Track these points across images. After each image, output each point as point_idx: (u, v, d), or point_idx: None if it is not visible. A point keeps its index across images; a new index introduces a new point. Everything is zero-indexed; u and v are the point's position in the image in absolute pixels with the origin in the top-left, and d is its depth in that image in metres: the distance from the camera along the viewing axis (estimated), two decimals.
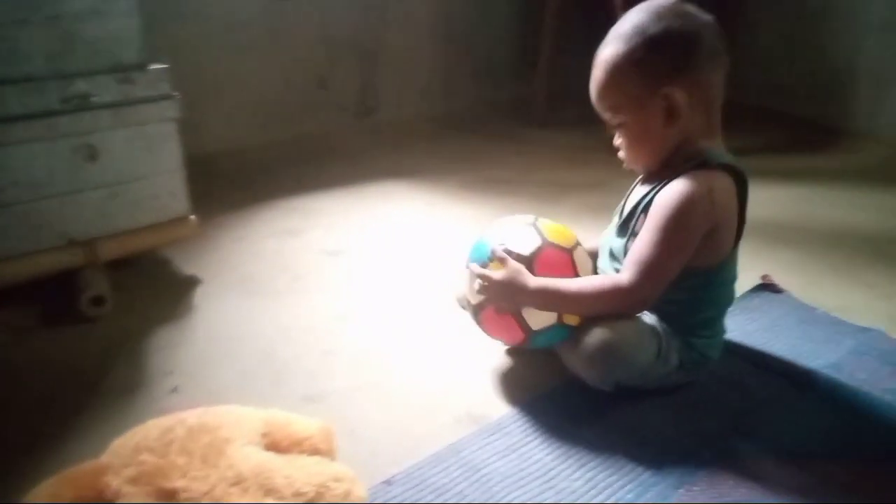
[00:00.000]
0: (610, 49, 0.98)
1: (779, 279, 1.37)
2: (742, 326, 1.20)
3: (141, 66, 1.30)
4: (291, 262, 1.49)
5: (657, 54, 0.95)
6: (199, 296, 1.37)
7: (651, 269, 0.95)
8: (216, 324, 1.27)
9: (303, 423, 0.87)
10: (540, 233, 1.02)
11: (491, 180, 1.95)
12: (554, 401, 1.03)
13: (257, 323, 1.27)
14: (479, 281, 1.01)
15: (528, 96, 2.58)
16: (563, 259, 1.01)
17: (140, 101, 1.30)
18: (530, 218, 1.06)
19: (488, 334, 1.07)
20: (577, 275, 1.01)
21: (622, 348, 0.96)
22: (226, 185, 1.91)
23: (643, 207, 1.00)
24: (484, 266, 1.02)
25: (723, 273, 1.03)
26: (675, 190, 0.95)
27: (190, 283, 1.41)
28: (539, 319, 1.00)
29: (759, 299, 1.31)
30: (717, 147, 1.01)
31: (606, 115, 1.02)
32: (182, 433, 0.79)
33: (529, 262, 1.00)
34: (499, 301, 1.00)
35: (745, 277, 1.10)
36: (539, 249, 1.00)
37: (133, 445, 0.78)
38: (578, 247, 1.04)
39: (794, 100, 2.42)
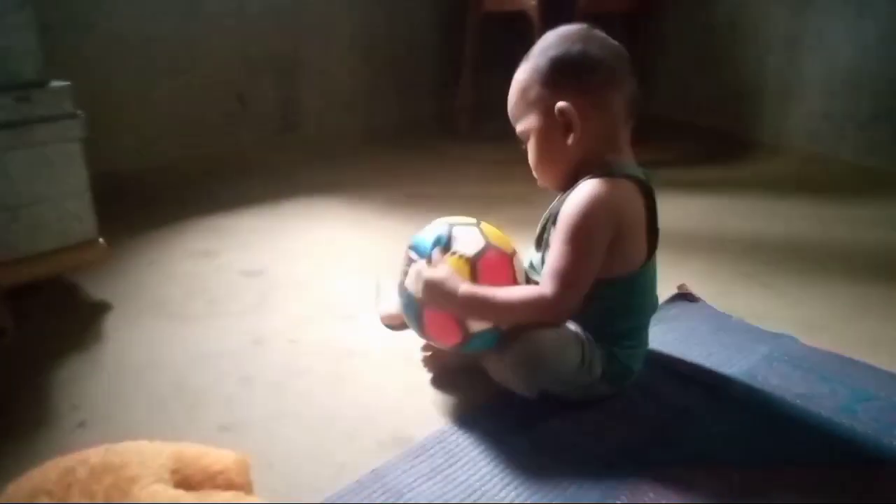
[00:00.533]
0: (521, 69, 1.06)
1: (694, 288, 1.40)
2: (660, 336, 1.22)
3: (40, 84, 1.24)
4: (207, 285, 1.44)
5: (557, 72, 1.01)
6: (109, 323, 1.31)
7: (566, 279, 0.97)
8: (126, 352, 1.21)
9: (216, 456, 0.83)
10: (483, 235, 1.03)
11: (416, 195, 1.94)
12: (478, 420, 1.02)
13: (170, 350, 1.22)
14: (412, 273, 1.01)
15: (451, 111, 2.59)
16: (504, 262, 1.02)
17: (40, 120, 1.24)
18: (473, 220, 1.06)
19: (425, 333, 1.05)
20: (514, 281, 1.02)
21: (546, 355, 0.97)
22: (139, 205, 1.84)
23: (553, 218, 1.03)
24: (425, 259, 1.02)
25: (640, 282, 1.05)
26: (577, 197, 0.99)
27: (99, 310, 1.34)
28: (478, 322, 1.00)
29: (676, 309, 1.34)
30: (625, 160, 1.04)
31: (518, 130, 1.08)
32: (84, 474, 0.74)
33: (473, 262, 1.00)
34: (426, 300, 1.00)
35: (662, 287, 1.12)
36: (483, 251, 1.01)
37: (30, 489, 0.73)
38: (516, 254, 1.05)
39: (704, 112, 2.51)
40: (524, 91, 1.04)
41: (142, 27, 2.00)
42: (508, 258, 1.03)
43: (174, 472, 0.78)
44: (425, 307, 1.01)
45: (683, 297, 1.38)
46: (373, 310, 1.32)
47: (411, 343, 1.23)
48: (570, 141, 1.01)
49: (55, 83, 1.25)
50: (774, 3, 2.30)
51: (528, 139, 1.06)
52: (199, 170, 2.11)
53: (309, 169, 2.17)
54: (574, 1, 2.11)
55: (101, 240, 1.36)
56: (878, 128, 2.14)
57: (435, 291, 0.98)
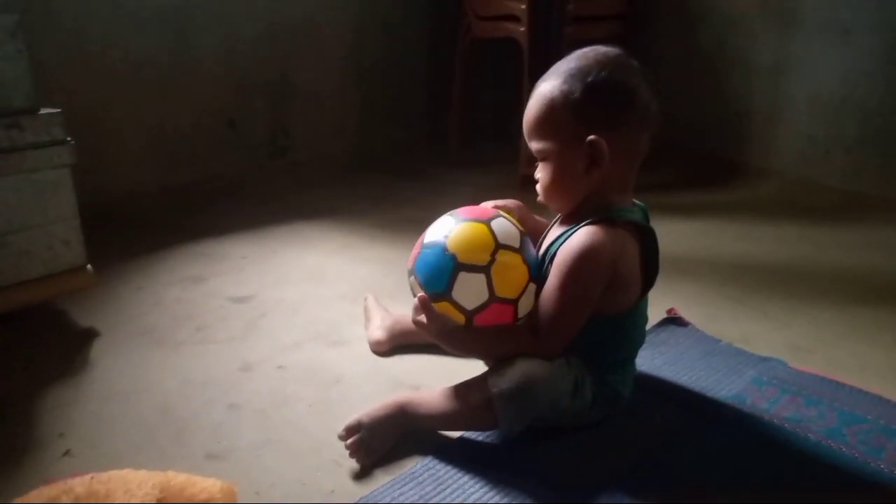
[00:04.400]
0: (550, 85, 0.99)
1: (683, 312, 1.41)
2: (650, 361, 1.22)
3: (31, 111, 1.24)
4: (195, 311, 1.44)
5: (593, 102, 0.96)
6: (96, 350, 1.30)
7: (555, 327, 0.98)
8: (113, 380, 1.20)
9: (203, 485, 0.83)
10: (490, 284, 0.97)
11: (405, 220, 1.95)
12: (466, 446, 1.02)
13: (157, 377, 1.21)
14: (416, 306, 1.00)
15: (442, 135, 2.61)
16: (505, 312, 0.99)
17: (30, 146, 1.24)
18: (489, 244, 0.98)
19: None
20: (516, 319, 1.00)
21: (539, 383, 0.96)
22: (127, 231, 1.84)
23: (551, 256, 1.01)
24: (436, 293, 0.99)
25: (632, 318, 1.05)
26: (574, 244, 0.97)
27: (86, 337, 1.34)
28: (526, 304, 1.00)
29: (666, 333, 1.34)
30: (626, 203, 1.03)
31: (533, 146, 1.03)
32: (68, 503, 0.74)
33: (470, 316, 0.98)
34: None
35: (652, 311, 1.13)
36: (483, 306, 0.98)
37: None
38: (528, 287, 1.00)
39: (691, 135, 2.53)
40: (551, 112, 0.98)
41: (131, 53, 2.01)
42: (513, 304, 0.99)
43: (160, 500, 0.78)
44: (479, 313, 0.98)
45: (673, 321, 1.38)
46: (363, 335, 1.32)
47: (400, 369, 1.23)
48: (590, 176, 0.99)
49: (45, 110, 1.25)
50: (762, 27, 2.33)
51: (543, 160, 1.02)
52: (190, 195, 2.11)
53: (299, 194, 2.18)
54: (561, 27, 2.14)
55: (89, 266, 1.35)
56: (863, 152, 2.16)
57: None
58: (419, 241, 1.03)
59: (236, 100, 2.27)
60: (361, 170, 2.47)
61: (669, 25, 2.55)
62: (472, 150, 2.55)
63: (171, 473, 0.84)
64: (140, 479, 0.80)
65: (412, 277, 1.03)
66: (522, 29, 2.16)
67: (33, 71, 1.24)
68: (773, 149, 2.38)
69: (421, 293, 1.00)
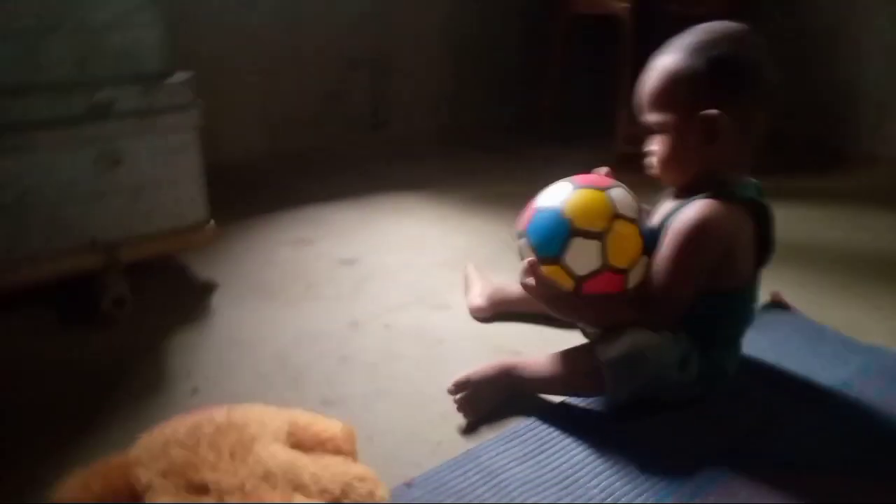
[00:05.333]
0: (671, 58, 1.00)
1: (787, 297, 1.39)
2: (753, 343, 1.21)
3: (164, 76, 1.33)
4: (305, 271, 1.51)
5: (715, 76, 0.97)
6: (216, 301, 1.39)
7: (666, 298, 1.00)
8: (233, 328, 1.29)
9: (326, 424, 0.89)
10: (602, 252, 0.98)
11: (500, 195, 1.98)
12: (569, 411, 1.05)
13: (273, 328, 1.29)
14: (525, 268, 1.02)
15: (536, 112, 2.62)
16: (614, 283, 1.00)
17: (163, 109, 1.32)
18: (607, 211, 0.99)
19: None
20: (624, 289, 1.01)
21: (647, 353, 0.98)
22: (239, 194, 1.94)
23: (665, 229, 1.02)
24: (546, 257, 1.00)
25: (744, 295, 1.06)
26: (688, 217, 0.98)
27: (206, 289, 1.43)
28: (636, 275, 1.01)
29: (770, 316, 1.33)
30: (743, 180, 1.03)
31: (649, 118, 1.03)
32: (210, 430, 0.81)
33: (579, 281, 1.00)
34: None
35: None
36: (593, 273, 0.99)
37: (162, 440, 0.80)
38: (640, 260, 1.01)
39: (800, 121, 2.45)
40: (672, 84, 0.99)
41: (247, 24, 2.11)
42: (623, 273, 1.00)
43: (289, 434, 0.84)
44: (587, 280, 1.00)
45: (777, 304, 1.37)
46: (463, 301, 1.37)
47: (500, 334, 1.27)
48: (706, 149, 0.99)
49: (178, 75, 1.34)
50: (877, 7, 2.23)
51: (659, 132, 1.03)
52: (295, 163, 2.20)
53: (396, 166, 2.24)
54: (665, 4, 2.10)
55: (211, 222, 1.44)
56: None
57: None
58: (531, 204, 1.05)
59: (339, 73, 2.35)
60: (455, 145, 2.50)
61: (780, 3, 2.47)
62: (566, 128, 2.54)
63: (297, 412, 0.90)
64: (272, 414, 0.87)
65: (522, 240, 1.04)
66: (625, 5, 2.13)
67: (167, 38, 1.33)
68: (885, 136, 2.28)
69: (530, 256, 1.03)
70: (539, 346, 1.17)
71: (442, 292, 1.42)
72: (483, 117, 2.71)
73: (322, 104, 2.35)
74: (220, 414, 0.84)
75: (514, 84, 2.79)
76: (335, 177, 2.10)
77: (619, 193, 1.02)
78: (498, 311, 1.31)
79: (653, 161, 1.06)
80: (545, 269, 1.01)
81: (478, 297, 1.33)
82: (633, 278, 1.02)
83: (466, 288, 1.39)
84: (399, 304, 1.37)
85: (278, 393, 1.10)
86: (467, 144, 2.51)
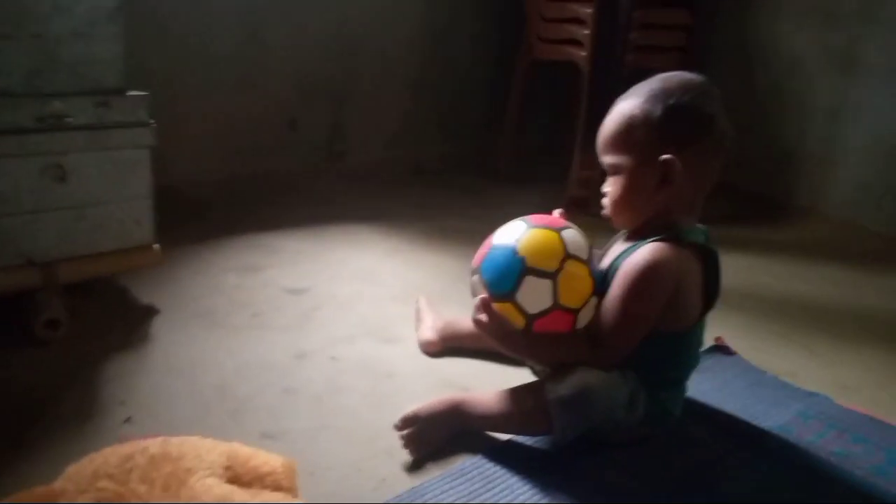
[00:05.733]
0: (632, 102, 1.03)
1: (730, 342, 1.42)
2: (696, 385, 1.22)
3: (120, 92, 1.30)
4: (252, 298, 1.48)
5: (673, 123, 1.00)
6: (157, 326, 1.34)
7: (614, 339, 1.01)
8: (173, 355, 1.25)
9: (266, 458, 0.86)
10: (554, 291, 0.99)
11: (454, 230, 1.98)
12: (515, 450, 1.04)
13: (215, 357, 1.25)
14: (478, 305, 1.02)
15: (493, 151, 2.65)
16: (565, 321, 1.01)
17: (116, 125, 1.29)
18: (559, 252, 1.00)
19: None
20: (574, 329, 1.02)
21: (596, 393, 0.98)
22: (188, 217, 1.90)
23: (614, 270, 1.04)
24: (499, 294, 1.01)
25: (690, 338, 1.08)
26: (638, 259, 1.00)
27: (147, 313, 1.38)
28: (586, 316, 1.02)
29: (713, 360, 1.35)
30: (693, 225, 1.06)
31: (606, 160, 1.06)
32: (143, 461, 0.77)
33: (530, 320, 1.00)
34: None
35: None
36: (545, 311, 1.00)
37: (91, 471, 0.76)
38: (590, 300, 1.02)
39: (744, 174, 2.54)
40: (630, 128, 1.01)
41: (207, 45, 2.09)
42: (572, 316, 1.01)
43: (227, 468, 0.81)
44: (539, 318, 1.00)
45: (720, 349, 1.39)
46: (414, 335, 1.35)
47: (450, 370, 1.26)
48: (660, 194, 1.02)
49: (133, 92, 1.31)
50: (821, 71, 2.34)
51: (614, 174, 1.05)
52: (249, 189, 2.17)
53: (353, 196, 2.22)
54: (622, 55, 2.16)
55: (156, 245, 1.40)
56: None
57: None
58: (487, 242, 1.06)
59: (299, 100, 2.34)
60: (413, 178, 2.51)
61: (729, 62, 2.57)
62: (521, 169, 2.57)
63: (236, 444, 0.87)
64: (209, 446, 0.83)
65: (476, 276, 1.05)
66: (584, 54, 2.19)
67: (126, 54, 1.30)
68: (824, 192, 2.38)
69: (483, 293, 1.03)
70: (489, 383, 1.16)
71: (392, 326, 1.41)
72: (441, 153, 2.73)
73: (279, 131, 2.33)
74: (154, 445, 0.80)
75: (473, 123, 2.83)
76: (289, 205, 2.07)
77: (572, 235, 1.04)
78: (448, 345, 1.30)
79: (607, 202, 1.07)
80: (497, 306, 1.01)
81: (428, 331, 1.32)
82: (583, 318, 1.03)
83: (417, 321, 1.38)
84: (347, 336, 1.35)
85: (218, 424, 1.06)
86: (424, 179, 2.51)
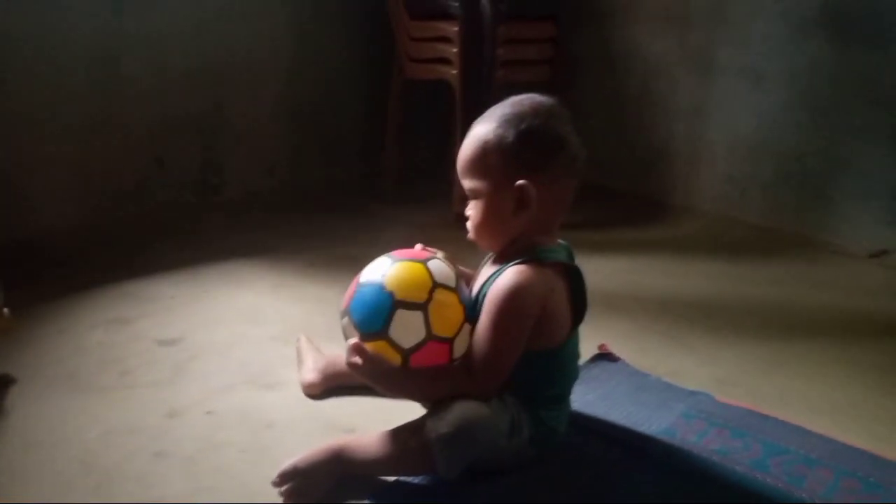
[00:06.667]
0: (485, 128, 1.03)
1: (614, 347, 1.44)
2: (582, 397, 1.24)
3: None
4: (120, 355, 1.38)
5: (525, 148, 1.00)
6: (13, 397, 1.23)
7: (489, 366, 1.00)
8: (30, 429, 1.15)
9: None
10: (427, 321, 0.98)
11: (340, 258, 1.93)
12: (403, 489, 1.01)
13: (79, 426, 1.15)
14: (350, 349, 0.99)
15: (376, 173, 2.62)
16: (441, 351, 1.00)
17: None
18: (427, 282, 0.99)
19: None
20: (451, 359, 1.01)
21: (477, 425, 0.96)
22: (49, 270, 1.77)
23: (482, 297, 1.03)
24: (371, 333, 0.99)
25: (564, 354, 1.08)
26: (502, 284, 1.00)
27: (1, 384, 1.27)
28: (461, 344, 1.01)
29: (598, 369, 1.37)
30: (552, 244, 1.07)
31: (466, 185, 1.06)
32: None
33: (406, 354, 0.98)
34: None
35: (583, 347, 1.15)
36: (420, 344, 0.98)
37: None
38: (463, 327, 1.01)
39: (617, 176, 2.62)
40: (484, 154, 1.02)
41: (54, 87, 1.96)
42: (448, 343, 1.00)
43: None
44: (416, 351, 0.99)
45: (604, 356, 1.41)
46: (296, 378, 1.30)
47: (334, 412, 1.22)
48: (518, 218, 1.02)
49: None
50: (681, 73, 2.44)
51: (474, 198, 1.05)
52: (115, 234, 2.05)
53: (230, 232, 2.14)
54: (492, 71, 2.18)
55: (5, 310, 1.29)
56: (777, 190, 2.28)
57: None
58: (353, 282, 1.03)
59: (166, 136, 2.23)
60: (295, 208, 2.44)
61: (595, 70, 2.65)
62: (406, 189, 2.56)
63: None
64: None
65: (345, 319, 1.02)
66: (454, 72, 2.19)
67: None
68: (695, 189, 2.48)
69: (355, 335, 0.99)
70: (377, 420, 1.12)
71: (274, 369, 1.35)
72: (323, 180, 2.68)
73: (146, 170, 2.22)
74: None
75: (354, 146, 2.79)
76: (161, 248, 1.97)
77: (437, 264, 1.03)
78: (332, 384, 1.26)
79: (469, 226, 1.08)
80: (371, 346, 0.99)
81: (310, 373, 1.27)
82: (459, 347, 1.01)
83: (298, 363, 1.33)
84: (224, 387, 1.28)
85: (81, 501, 0.98)
86: (307, 206, 2.45)
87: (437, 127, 2.77)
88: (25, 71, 1.89)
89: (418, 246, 1.10)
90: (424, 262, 1.02)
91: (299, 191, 2.57)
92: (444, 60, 2.22)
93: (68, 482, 1.02)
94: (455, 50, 2.17)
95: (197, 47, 2.24)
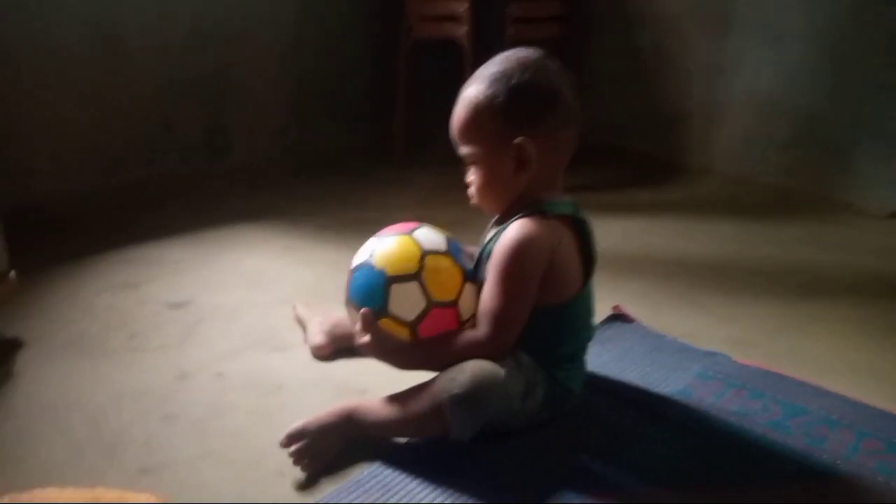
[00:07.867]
0: (474, 90, 0.99)
1: (629, 308, 1.41)
2: (597, 358, 1.22)
3: None
4: (128, 319, 1.37)
5: (517, 105, 0.96)
6: (21, 361, 1.23)
7: (500, 320, 0.97)
8: (40, 392, 1.14)
9: (135, 500, 0.78)
10: (425, 290, 0.97)
11: (350, 221, 1.91)
12: (415, 451, 1.00)
13: (88, 388, 1.15)
14: (360, 326, 0.99)
15: (387, 137, 2.58)
16: (447, 315, 0.99)
17: None
18: (415, 252, 0.99)
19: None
20: (460, 322, 1.00)
21: (491, 387, 0.94)
22: (56, 235, 1.76)
23: (487, 254, 1.01)
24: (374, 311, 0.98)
25: (576, 308, 1.05)
26: (508, 238, 0.97)
27: (10, 348, 1.26)
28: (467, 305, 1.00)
29: (612, 330, 1.34)
30: (556, 197, 1.03)
31: (462, 151, 1.03)
32: None
33: (413, 326, 0.98)
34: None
35: (598, 308, 1.12)
36: (423, 314, 0.97)
37: None
38: (464, 288, 1.00)
39: (632, 137, 2.57)
40: (478, 116, 0.98)
41: (60, 53, 1.93)
42: (452, 306, 0.99)
43: None
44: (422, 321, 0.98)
45: (619, 317, 1.39)
46: (303, 340, 1.29)
47: (344, 374, 1.20)
48: (520, 177, 0.99)
49: None
50: (697, 30, 2.38)
51: (472, 164, 1.02)
52: (123, 198, 2.03)
53: (241, 196, 2.12)
54: (502, 28, 2.13)
55: (12, 274, 1.28)
56: (796, 150, 2.23)
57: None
58: (348, 272, 1.04)
59: (171, 99, 2.20)
60: (304, 172, 2.41)
61: (608, 27, 2.58)
62: (417, 152, 2.52)
63: (100, 490, 0.79)
64: (69, 497, 0.75)
65: (349, 307, 1.03)
66: (464, 29, 2.14)
67: None
68: (711, 149, 2.43)
69: (363, 314, 0.99)
70: (389, 381, 1.09)
71: (282, 332, 1.33)
72: (332, 143, 2.64)
73: (153, 133, 2.19)
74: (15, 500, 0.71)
75: (363, 109, 2.74)
76: (168, 212, 1.95)
77: (423, 233, 1.02)
78: (340, 346, 1.24)
79: (472, 192, 1.05)
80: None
81: (317, 336, 1.25)
82: (465, 309, 1.00)
83: (303, 329, 1.31)
84: (234, 350, 1.27)
85: (91, 463, 0.97)
86: (316, 170, 2.42)
87: (447, 90, 2.71)
88: (28, 35, 1.86)
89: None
90: (409, 233, 1.01)
91: (308, 154, 2.54)
92: (454, 18, 2.17)
93: (78, 445, 1.01)
94: (465, 7, 2.11)
95: (199, 8, 2.19)
